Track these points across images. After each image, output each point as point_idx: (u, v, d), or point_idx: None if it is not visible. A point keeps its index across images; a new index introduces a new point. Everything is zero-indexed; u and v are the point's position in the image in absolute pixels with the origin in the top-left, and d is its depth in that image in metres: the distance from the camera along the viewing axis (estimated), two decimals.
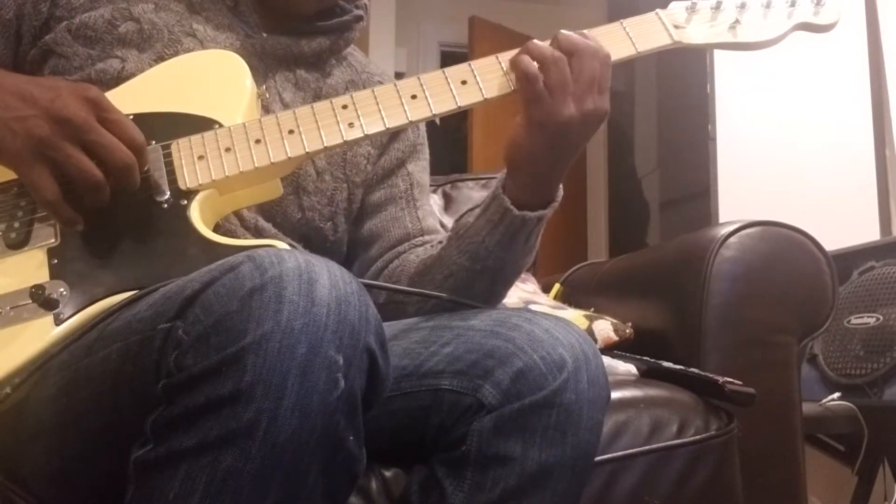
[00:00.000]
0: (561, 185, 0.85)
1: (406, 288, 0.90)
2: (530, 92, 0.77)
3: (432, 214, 1.05)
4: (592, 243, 4.31)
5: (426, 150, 1.08)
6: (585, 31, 0.81)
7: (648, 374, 1.09)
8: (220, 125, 0.80)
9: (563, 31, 0.79)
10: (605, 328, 1.29)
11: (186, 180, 0.77)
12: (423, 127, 1.08)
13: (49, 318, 0.70)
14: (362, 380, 0.58)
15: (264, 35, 0.94)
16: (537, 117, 0.78)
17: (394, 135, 1.03)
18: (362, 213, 1.01)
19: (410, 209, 1.02)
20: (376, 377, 0.60)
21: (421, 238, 1.00)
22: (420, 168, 1.06)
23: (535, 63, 0.77)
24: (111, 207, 0.74)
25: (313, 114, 0.80)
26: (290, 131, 0.79)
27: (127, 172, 0.73)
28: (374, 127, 0.79)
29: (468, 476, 0.70)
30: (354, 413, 0.58)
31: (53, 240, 0.74)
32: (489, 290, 0.87)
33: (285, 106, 0.92)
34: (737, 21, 0.85)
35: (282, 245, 0.69)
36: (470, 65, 0.81)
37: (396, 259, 0.98)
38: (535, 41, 0.79)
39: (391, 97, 0.80)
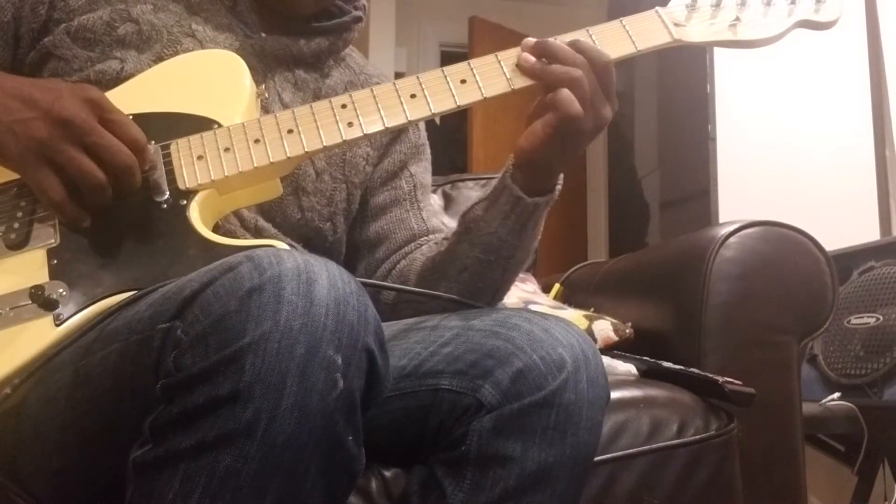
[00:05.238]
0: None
1: (409, 287, 0.90)
2: (572, 112, 0.76)
3: (436, 214, 1.05)
4: (592, 243, 4.31)
5: (427, 151, 1.09)
6: (588, 32, 0.81)
7: (648, 374, 1.09)
8: (219, 125, 0.80)
9: (581, 39, 0.79)
10: (605, 328, 1.29)
11: (186, 180, 0.77)
12: (423, 127, 1.08)
13: (49, 319, 0.70)
14: (361, 380, 0.58)
15: (263, 35, 0.94)
16: (566, 130, 0.78)
17: (394, 136, 1.03)
18: (366, 215, 1.01)
19: (415, 210, 1.02)
20: (375, 377, 0.60)
21: (426, 238, 1.00)
22: (422, 169, 1.06)
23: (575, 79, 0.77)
24: (111, 208, 0.74)
25: (312, 113, 0.79)
26: (289, 131, 0.79)
27: (128, 173, 0.73)
28: (374, 126, 0.79)
29: (468, 476, 0.70)
30: (353, 413, 0.58)
31: (53, 240, 0.74)
32: (501, 278, 0.88)
33: (284, 106, 0.92)
34: (737, 19, 0.84)
35: (281, 245, 0.69)
36: (469, 64, 0.81)
37: (404, 259, 0.98)
38: (559, 46, 0.78)
39: (390, 96, 0.80)
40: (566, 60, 0.77)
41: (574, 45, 0.79)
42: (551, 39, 0.79)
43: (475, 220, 0.86)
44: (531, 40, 0.80)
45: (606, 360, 1.10)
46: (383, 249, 1.00)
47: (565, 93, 0.76)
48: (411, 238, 1.00)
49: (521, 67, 0.80)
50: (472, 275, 0.87)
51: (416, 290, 0.88)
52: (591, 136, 0.80)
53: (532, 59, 0.79)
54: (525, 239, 0.86)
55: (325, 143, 0.78)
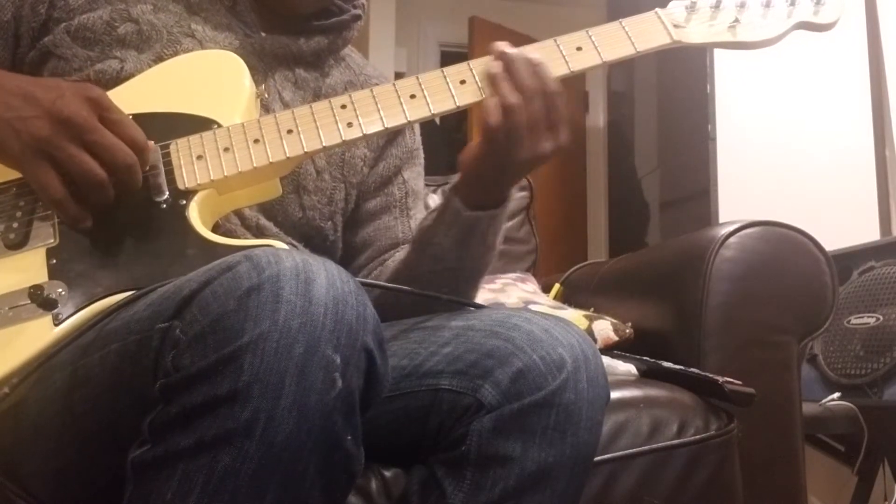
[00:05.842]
0: (514, 188, 0.86)
1: (405, 288, 0.90)
2: (489, 119, 0.76)
3: None
4: (592, 243, 4.30)
5: (421, 156, 1.09)
6: (587, 34, 0.81)
7: (648, 374, 1.09)
8: (219, 125, 0.80)
9: (544, 64, 0.78)
10: (605, 328, 1.29)
11: (185, 180, 0.77)
12: (418, 131, 1.08)
13: (48, 319, 0.70)
14: (360, 379, 0.58)
15: (263, 34, 0.94)
16: (494, 145, 0.78)
17: (390, 139, 1.03)
18: (357, 220, 1.02)
19: (403, 218, 1.03)
20: (374, 377, 0.60)
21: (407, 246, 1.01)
22: (415, 175, 1.07)
23: (512, 95, 0.76)
24: (110, 208, 0.74)
25: (312, 114, 0.79)
26: (289, 131, 0.79)
27: (129, 172, 0.73)
28: (373, 127, 0.79)
29: (468, 476, 0.70)
30: (352, 413, 0.58)
31: (52, 240, 0.74)
32: (455, 289, 0.87)
33: (285, 105, 0.92)
34: (736, 20, 0.84)
35: (280, 245, 0.69)
36: (469, 64, 0.81)
37: (380, 266, 0.99)
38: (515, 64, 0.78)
39: (390, 97, 0.80)
40: (516, 79, 0.77)
41: (535, 67, 0.78)
42: (516, 53, 0.78)
43: (424, 230, 0.87)
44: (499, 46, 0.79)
45: (606, 360, 1.10)
46: (366, 255, 1.01)
47: (489, 100, 0.77)
48: (394, 245, 1.00)
49: (486, 74, 0.79)
50: (422, 285, 0.86)
51: (414, 291, 0.87)
52: (529, 165, 0.79)
53: (498, 69, 0.78)
54: (471, 250, 0.85)
55: (324, 144, 0.79)
